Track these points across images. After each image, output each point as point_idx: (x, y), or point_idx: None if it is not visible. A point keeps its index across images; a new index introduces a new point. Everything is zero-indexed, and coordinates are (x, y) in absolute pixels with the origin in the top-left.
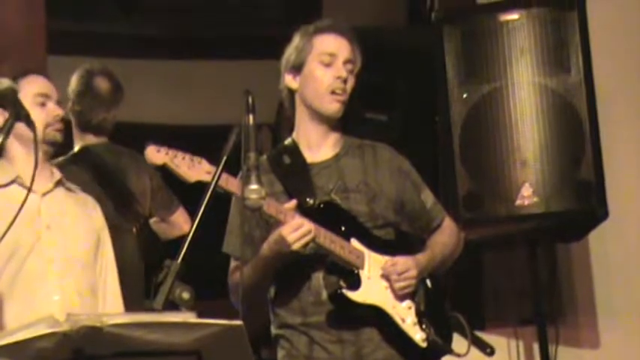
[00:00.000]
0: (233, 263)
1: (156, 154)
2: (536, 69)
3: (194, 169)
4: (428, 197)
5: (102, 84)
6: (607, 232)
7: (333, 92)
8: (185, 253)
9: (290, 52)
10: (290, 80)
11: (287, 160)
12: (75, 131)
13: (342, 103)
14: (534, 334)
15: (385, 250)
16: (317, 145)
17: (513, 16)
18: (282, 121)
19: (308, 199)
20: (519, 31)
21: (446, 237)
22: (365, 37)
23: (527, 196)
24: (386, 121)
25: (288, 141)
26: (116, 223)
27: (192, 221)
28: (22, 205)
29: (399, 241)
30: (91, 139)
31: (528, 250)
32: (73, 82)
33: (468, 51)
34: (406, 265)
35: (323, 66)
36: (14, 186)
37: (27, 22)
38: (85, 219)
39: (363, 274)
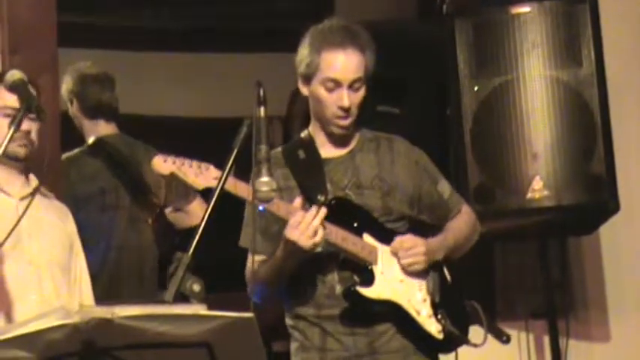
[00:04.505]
0: (250, 257)
1: (163, 165)
2: (547, 62)
3: (202, 175)
4: (445, 188)
5: (92, 69)
6: (618, 225)
7: (337, 117)
8: (196, 246)
9: (300, 59)
10: (301, 86)
11: (302, 154)
12: (85, 122)
13: (347, 126)
14: (545, 327)
15: None
16: (332, 141)
17: (525, 9)
18: (293, 114)
19: (319, 197)
20: (531, 24)
21: (461, 222)
22: (376, 31)
23: (538, 190)
24: (397, 114)
25: (304, 133)
26: (132, 214)
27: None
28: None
29: (412, 230)
30: (103, 127)
31: (539, 243)
32: (66, 79)
33: (480, 44)
34: (414, 241)
35: (327, 91)
36: None
37: (38, 14)
38: (58, 224)
39: (377, 269)
